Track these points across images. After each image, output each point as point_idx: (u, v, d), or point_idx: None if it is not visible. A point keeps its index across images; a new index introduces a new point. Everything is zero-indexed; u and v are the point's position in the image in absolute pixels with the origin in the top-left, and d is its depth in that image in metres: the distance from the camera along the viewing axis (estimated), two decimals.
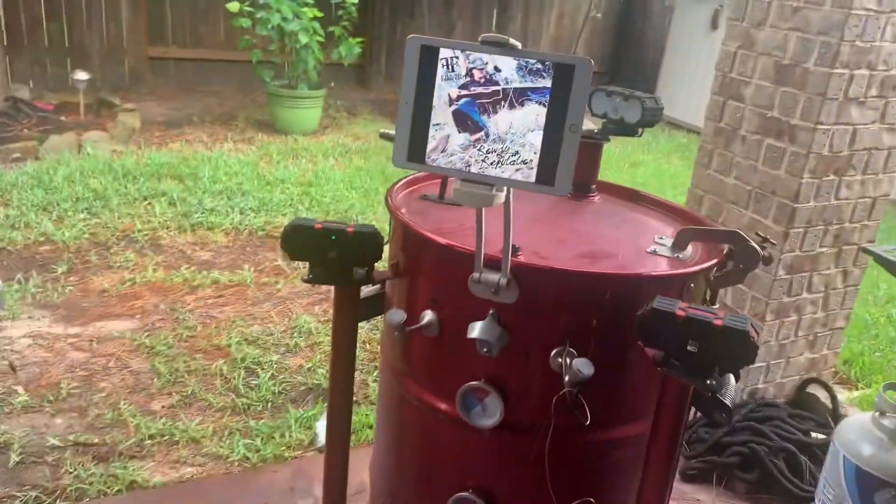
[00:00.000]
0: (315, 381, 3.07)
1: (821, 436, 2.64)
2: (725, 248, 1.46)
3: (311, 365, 3.19)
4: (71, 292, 3.69)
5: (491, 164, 1.12)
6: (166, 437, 2.66)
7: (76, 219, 4.43)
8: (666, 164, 7.20)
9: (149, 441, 2.64)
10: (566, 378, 1.25)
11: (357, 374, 2.35)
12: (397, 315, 1.37)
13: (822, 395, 2.85)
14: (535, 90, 1.09)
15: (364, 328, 3.41)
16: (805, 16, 2.37)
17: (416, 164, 1.15)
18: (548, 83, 1.08)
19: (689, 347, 1.21)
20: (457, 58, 1.11)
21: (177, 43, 8.02)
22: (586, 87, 1.06)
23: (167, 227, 4.48)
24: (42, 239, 4.19)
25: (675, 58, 9.28)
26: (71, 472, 2.46)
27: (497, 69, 1.10)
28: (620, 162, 6.98)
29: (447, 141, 1.13)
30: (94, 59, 7.37)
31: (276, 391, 2.98)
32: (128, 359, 3.15)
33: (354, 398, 2.46)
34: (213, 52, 8.01)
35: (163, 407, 2.84)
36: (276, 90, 6.60)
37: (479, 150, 1.12)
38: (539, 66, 1.08)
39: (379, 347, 1.64)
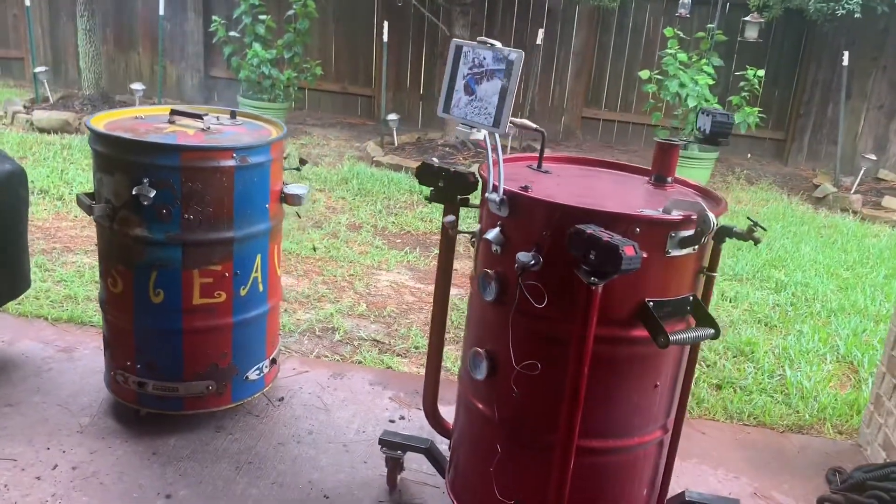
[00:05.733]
0: None
1: None
2: (692, 214, 1.89)
3: None
4: (433, 265, 5.02)
5: (475, 114, 1.87)
6: (425, 351, 3.69)
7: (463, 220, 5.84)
8: None
9: (414, 350, 3.71)
10: (516, 266, 1.89)
11: None
12: (449, 217, 2.16)
13: None
14: (498, 71, 1.81)
15: None
16: None
17: (446, 114, 1.96)
18: (503, 66, 1.80)
19: (590, 256, 1.76)
20: (469, 51, 1.89)
21: (608, 107, 9.28)
22: (519, 69, 1.76)
23: None
24: (437, 230, 5.67)
25: None
26: (362, 353, 3.65)
27: (485, 58, 1.85)
28: None
29: (460, 100, 1.92)
30: (538, 114, 9.01)
31: None
32: None
33: None
34: (636, 117, 9.04)
35: None
36: None
37: (472, 106, 1.88)
38: (501, 56, 1.81)
39: None
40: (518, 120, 2.32)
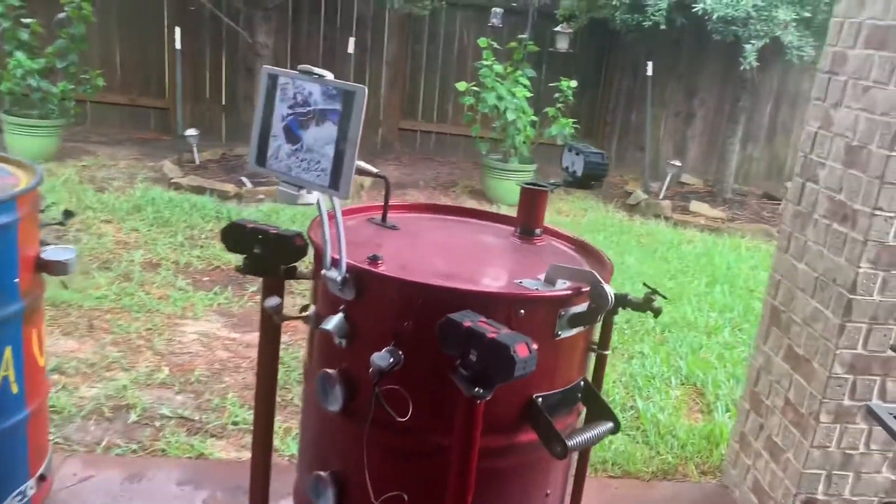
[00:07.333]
0: None
1: None
2: (583, 287, 1.51)
3: None
4: (250, 307, 4.38)
5: (304, 170, 1.37)
6: (247, 426, 3.10)
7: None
8: None
9: (232, 427, 3.10)
10: (370, 370, 1.41)
11: None
12: (272, 300, 1.64)
13: None
14: (332, 111, 1.32)
15: None
16: (872, 95, 2.21)
17: (261, 167, 1.43)
18: (339, 105, 1.31)
19: (470, 356, 1.32)
20: (288, 84, 1.39)
21: (425, 118, 9.00)
22: (361, 109, 1.28)
23: None
24: None
25: None
26: (166, 438, 2.99)
27: (311, 93, 1.35)
28: None
29: (279, 149, 1.40)
30: None
31: None
32: None
33: None
34: (454, 128, 8.82)
35: None
36: (490, 162, 7.13)
37: (297, 157, 1.38)
38: (335, 91, 1.32)
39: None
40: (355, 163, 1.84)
